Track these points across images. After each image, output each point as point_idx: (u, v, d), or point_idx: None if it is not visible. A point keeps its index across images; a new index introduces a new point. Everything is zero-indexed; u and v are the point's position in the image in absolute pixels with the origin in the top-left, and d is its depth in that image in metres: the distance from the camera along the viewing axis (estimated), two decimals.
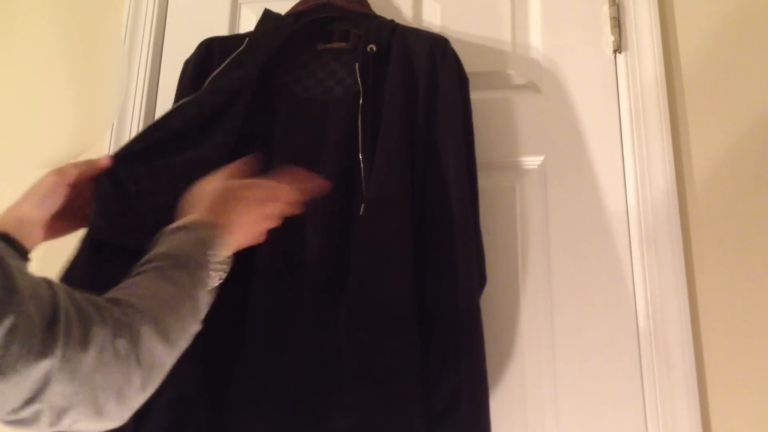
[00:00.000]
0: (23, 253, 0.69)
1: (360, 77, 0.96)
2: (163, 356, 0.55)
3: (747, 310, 0.95)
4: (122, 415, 0.51)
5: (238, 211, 0.71)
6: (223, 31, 1.21)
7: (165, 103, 1.14)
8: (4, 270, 0.44)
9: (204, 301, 0.63)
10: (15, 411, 0.44)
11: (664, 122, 1.04)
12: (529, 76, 1.12)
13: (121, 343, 0.49)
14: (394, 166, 0.92)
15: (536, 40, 1.13)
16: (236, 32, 1.22)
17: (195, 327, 0.61)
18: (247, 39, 1.00)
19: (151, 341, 0.52)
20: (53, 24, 1.20)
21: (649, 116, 1.04)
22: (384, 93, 0.95)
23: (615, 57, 1.09)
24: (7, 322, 0.42)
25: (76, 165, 0.82)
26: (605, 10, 1.11)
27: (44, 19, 1.19)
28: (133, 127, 1.17)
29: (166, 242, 0.63)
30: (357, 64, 0.97)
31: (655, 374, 0.95)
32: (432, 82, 0.97)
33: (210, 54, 1.03)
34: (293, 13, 1.07)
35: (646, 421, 0.94)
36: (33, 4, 1.18)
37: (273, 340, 0.87)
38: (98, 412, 0.48)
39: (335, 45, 1.06)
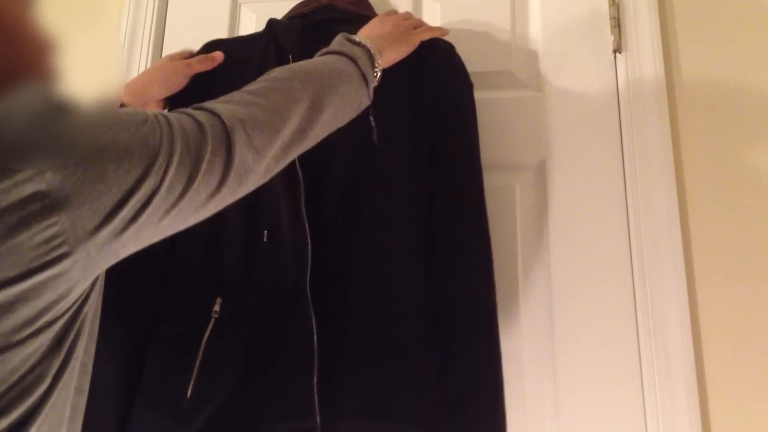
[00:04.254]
0: None
1: None
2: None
3: (747, 310, 0.95)
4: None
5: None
6: (223, 31, 1.21)
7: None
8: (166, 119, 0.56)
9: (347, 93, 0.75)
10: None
11: (664, 122, 1.04)
12: (529, 76, 1.12)
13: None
14: (401, 169, 0.92)
15: (536, 39, 1.14)
16: (236, 33, 1.22)
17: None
18: (263, 41, 1.01)
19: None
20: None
21: (649, 116, 1.04)
22: (386, 96, 0.95)
23: (615, 57, 1.09)
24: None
25: (199, 59, 0.95)
26: (605, 10, 1.11)
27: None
28: None
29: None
30: None
31: (655, 374, 0.95)
32: (439, 88, 0.97)
33: None
34: (296, 15, 1.07)
35: (646, 421, 0.94)
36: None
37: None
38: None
39: None
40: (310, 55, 0.94)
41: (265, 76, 0.72)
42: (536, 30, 1.14)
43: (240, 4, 1.25)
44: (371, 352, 0.84)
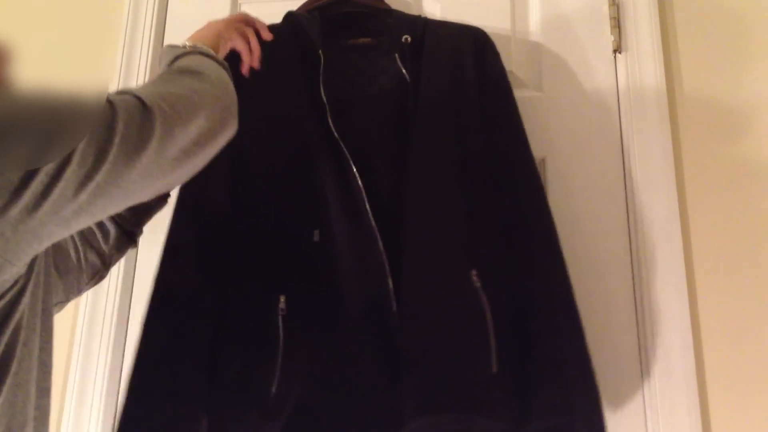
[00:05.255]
0: None
1: (403, 66, 0.96)
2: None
3: (747, 310, 0.95)
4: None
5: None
6: None
7: None
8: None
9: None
10: None
11: (664, 122, 1.04)
12: (529, 75, 1.12)
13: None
14: (445, 152, 0.91)
15: (536, 39, 1.14)
16: None
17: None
18: (284, 33, 1.00)
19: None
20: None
21: (648, 116, 1.04)
22: (421, 83, 0.95)
23: (615, 57, 1.09)
24: None
25: (260, 25, 1.00)
26: (605, 10, 1.11)
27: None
28: None
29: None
30: (397, 55, 0.97)
31: (655, 375, 0.95)
32: (482, 71, 0.97)
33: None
34: (313, 9, 1.06)
35: (646, 422, 0.94)
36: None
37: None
38: None
39: (361, 41, 1.05)
40: (334, 49, 0.93)
41: (168, 70, 0.72)
42: (536, 30, 1.14)
43: (240, 3, 1.25)
44: (430, 351, 0.82)
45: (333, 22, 1.04)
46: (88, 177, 0.54)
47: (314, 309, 0.86)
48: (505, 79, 1.00)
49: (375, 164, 0.92)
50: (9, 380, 0.56)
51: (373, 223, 0.86)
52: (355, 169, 0.89)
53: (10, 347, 0.56)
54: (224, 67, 0.77)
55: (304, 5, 1.09)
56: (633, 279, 1.00)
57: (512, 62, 1.12)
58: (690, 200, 1.01)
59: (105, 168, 0.55)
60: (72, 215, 0.55)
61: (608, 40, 1.10)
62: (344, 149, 0.90)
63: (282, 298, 0.86)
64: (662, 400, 0.93)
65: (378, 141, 0.95)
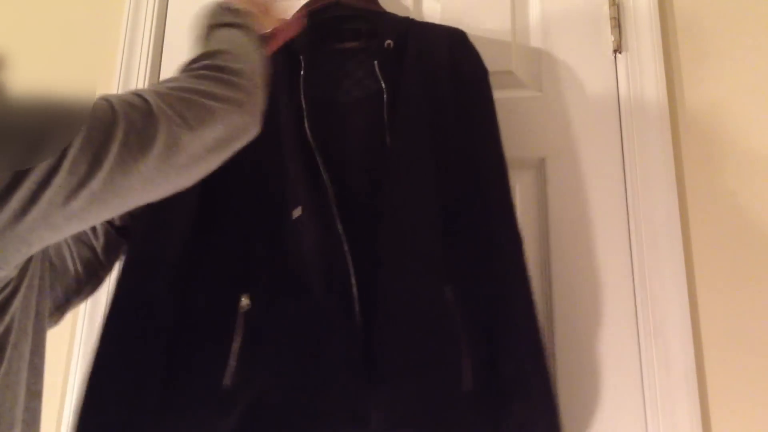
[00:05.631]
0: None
1: (381, 74, 0.95)
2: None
3: (747, 310, 0.95)
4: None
5: None
6: None
7: None
8: None
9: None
10: None
11: (664, 122, 1.04)
12: (529, 75, 1.12)
13: None
14: (420, 162, 0.91)
15: (536, 39, 1.14)
16: None
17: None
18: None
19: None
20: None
21: (649, 116, 1.04)
22: (399, 90, 0.94)
23: (615, 57, 1.09)
24: None
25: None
26: (605, 10, 1.11)
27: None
28: None
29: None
30: (376, 62, 0.96)
31: (655, 374, 0.95)
32: (456, 76, 0.97)
33: None
34: (305, 13, 1.06)
35: (646, 421, 0.94)
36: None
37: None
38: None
39: (348, 45, 1.05)
40: (320, 53, 0.92)
41: (196, 62, 0.70)
42: (536, 30, 1.14)
43: None
44: (401, 356, 0.83)
45: (324, 26, 1.04)
46: (80, 184, 0.53)
47: (280, 306, 0.87)
48: (482, 81, 0.98)
49: (351, 171, 0.93)
50: None
51: (341, 229, 0.86)
52: (326, 177, 0.89)
53: (0, 349, 0.56)
54: (260, 50, 0.75)
55: (302, 7, 1.09)
56: (633, 279, 0.99)
57: (512, 62, 1.12)
58: (690, 200, 1.01)
59: (100, 175, 0.54)
60: (63, 221, 0.54)
61: (608, 40, 1.10)
62: (316, 154, 0.91)
63: (246, 295, 0.87)
64: (662, 400, 0.93)
65: (354, 148, 0.95)
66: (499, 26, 1.14)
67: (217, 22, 0.75)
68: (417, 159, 0.91)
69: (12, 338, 0.58)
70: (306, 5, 1.08)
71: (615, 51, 1.09)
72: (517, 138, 1.08)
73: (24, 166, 0.50)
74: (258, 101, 0.69)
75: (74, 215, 0.54)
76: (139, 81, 1.20)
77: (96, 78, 1.16)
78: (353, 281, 0.85)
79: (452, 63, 0.97)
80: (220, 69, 0.67)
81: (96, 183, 0.54)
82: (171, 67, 1.21)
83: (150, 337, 0.84)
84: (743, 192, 1.00)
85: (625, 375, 0.96)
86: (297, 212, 0.89)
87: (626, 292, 0.99)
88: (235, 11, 0.77)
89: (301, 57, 0.97)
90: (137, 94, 0.60)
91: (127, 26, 1.24)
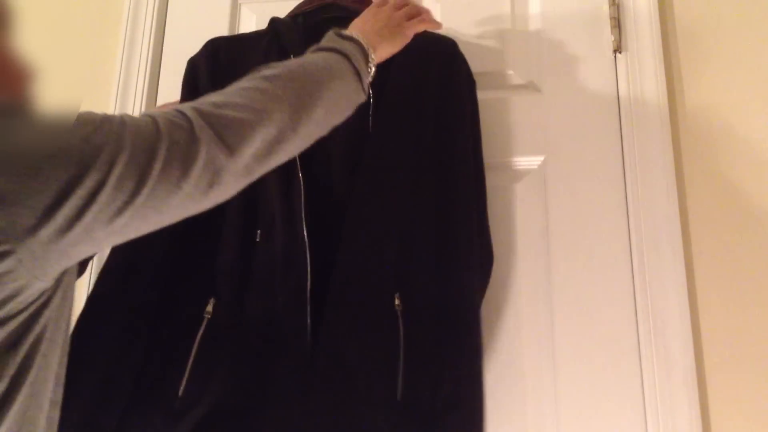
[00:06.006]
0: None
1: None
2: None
3: (747, 310, 0.95)
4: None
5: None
6: (223, 31, 1.21)
7: (165, 102, 1.14)
8: None
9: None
10: None
11: (664, 122, 1.04)
12: (529, 76, 1.12)
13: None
14: (393, 171, 0.92)
15: (536, 39, 1.13)
16: (236, 32, 1.22)
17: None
18: (265, 40, 1.00)
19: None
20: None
21: (649, 116, 1.04)
22: (384, 96, 0.94)
23: (615, 57, 1.09)
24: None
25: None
26: (605, 10, 1.11)
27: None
28: None
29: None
30: None
31: (655, 374, 0.95)
32: (444, 84, 0.97)
33: (216, 53, 1.02)
34: (299, 14, 1.06)
35: (646, 421, 0.94)
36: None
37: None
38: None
39: None
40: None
41: (249, 75, 0.70)
42: (536, 30, 1.14)
43: (240, 4, 1.25)
44: (341, 373, 0.83)
45: (317, 28, 1.04)
46: (126, 202, 0.54)
47: (241, 313, 0.87)
48: (469, 93, 0.99)
49: (334, 173, 0.93)
50: (25, 390, 0.56)
51: (306, 235, 0.86)
52: (302, 183, 0.88)
53: (29, 358, 0.56)
54: (346, 74, 0.76)
55: (294, 9, 1.09)
56: (633, 279, 0.99)
57: (512, 62, 1.12)
58: (690, 200, 1.01)
59: (144, 192, 0.55)
60: (105, 236, 0.55)
61: (608, 40, 1.10)
62: (296, 156, 0.91)
63: (211, 301, 0.88)
64: (662, 400, 0.93)
65: (337, 153, 0.94)
66: (498, 26, 1.14)
67: (319, 47, 0.77)
68: (390, 168, 0.91)
69: (42, 348, 0.58)
70: (299, 6, 1.08)
71: (615, 51, 1.09)
72: (516, 138, 1.08)
73: (69, 183, 0.51)
74: (293, 105, 0.68)
75: (116, 231, 0.55)
76: (139, 81, 1.20)
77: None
78: (308, 285, 0.85)
79: (440, 73, 0.97)
80: (264, 79, 0.68)
81: (140, 199, 0.55)
82: (171, 67, 1.21)
83: (125, 344, 0.85)
84: (743, 192, 1.00)
85: (625, 375, 0.96)
86: (257, 237, 0.90)
87: (626, 292, 0.99)
88: (342, 37, 0.79)
89: (292, 57, 0.97)
90: (179, 111, 0.61)
91: (127, 26, 1.24)
